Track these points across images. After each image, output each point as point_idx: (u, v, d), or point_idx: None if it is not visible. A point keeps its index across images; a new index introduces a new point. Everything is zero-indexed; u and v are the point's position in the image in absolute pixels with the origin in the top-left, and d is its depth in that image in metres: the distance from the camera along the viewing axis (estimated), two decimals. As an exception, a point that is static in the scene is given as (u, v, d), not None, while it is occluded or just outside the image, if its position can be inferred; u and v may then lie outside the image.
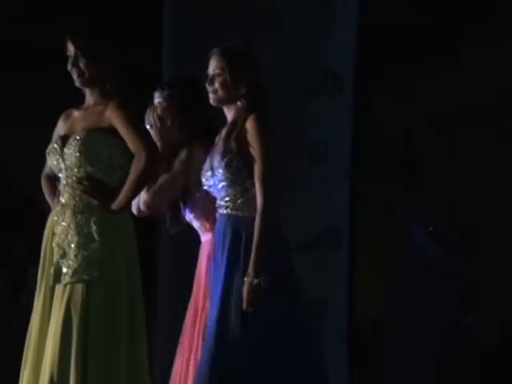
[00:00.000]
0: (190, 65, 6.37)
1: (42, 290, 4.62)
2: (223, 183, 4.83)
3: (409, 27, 7.65)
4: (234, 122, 4.91)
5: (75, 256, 4.51)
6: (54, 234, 4.62)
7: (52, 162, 4.71)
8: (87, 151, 4.58)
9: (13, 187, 6.41)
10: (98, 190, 4.60)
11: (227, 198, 4.82)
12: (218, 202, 4.88)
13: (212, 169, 4.85)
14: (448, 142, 7.19)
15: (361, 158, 6.90)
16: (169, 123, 5.33)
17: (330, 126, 6.79)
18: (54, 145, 4.70)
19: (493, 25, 7.59)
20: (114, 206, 4.56)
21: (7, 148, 6.66)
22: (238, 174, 4.80)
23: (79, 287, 4.48)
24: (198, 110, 5.34)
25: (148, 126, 5.29)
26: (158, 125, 5.29)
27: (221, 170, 4.80)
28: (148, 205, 5.12)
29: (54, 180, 4.79)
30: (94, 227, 4.55)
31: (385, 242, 7.23)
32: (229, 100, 4.95)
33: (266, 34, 6.94)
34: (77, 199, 4.59)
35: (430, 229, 6.92)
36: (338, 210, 6.75)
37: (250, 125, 4.83)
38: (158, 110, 5.32)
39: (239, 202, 4.80)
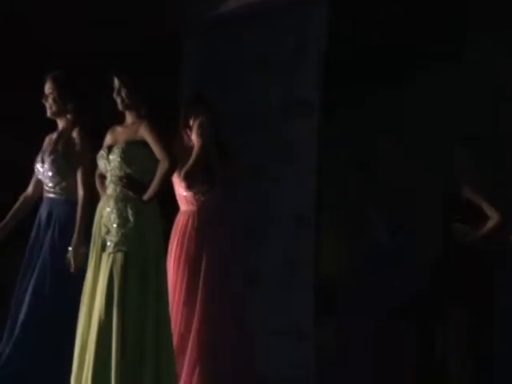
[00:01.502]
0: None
1: (93, 258, 4.75)
2: (50, 173, 5.08)
3: (368, 58, 7.23)
4: (63, 131, 5.16)
5: (116, 233, 4.66)
6: (101, 217, 4.75)
7: (101, 164, 4.83)
8: (126, 157, 4.71)
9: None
10: (133, 185, 4.71)
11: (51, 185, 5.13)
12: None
13: (43, 162, 5.09)
14: (398, 147, 6.82)
15: (324, 161, 6.75)
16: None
17: (302, 138, 6.77)
18: (102, 152, 4.83)
19: (454, 47, 7.07)
20: (145, 197, 4.67)
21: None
22: (60, 169, 5.05)
23: (119, 256, 4.62)
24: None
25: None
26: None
27: (47, 165, 5.06)
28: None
29: (103, 177, 4.88)
30: (130, 212, 4.68)
31: (344, 221, 7.01)
32: (59, 113, 5.10)
33: (256, 73, 7.00)
34: (118, 191, 4.72)
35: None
36: (307, 196, 6.71)
37: (75, 135, 5.07)
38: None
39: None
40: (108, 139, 4.92)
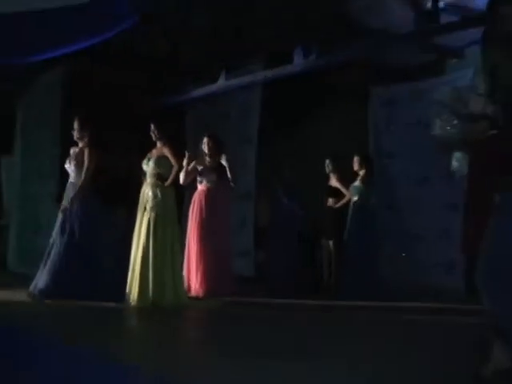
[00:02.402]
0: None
1: (140, 215, 4.78)
2: (72, 169, 4.94)
3: (285, 116, 7.27)
4: (81, 148, 4.98)
5: (151, 202, 4.74)
6: (144, 195, 4.80)
7: (144, 167, 4.88)
8: (157, 164, 4.82)
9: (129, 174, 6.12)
10: (160, 178, 4.79)
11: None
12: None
13: (69, 163, 4.97)
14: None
15: (258, 166, 6.83)
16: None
17: (248, 155, 6.87)
18: (145, 161, 4.88)
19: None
20: (166, 184, 4.78)
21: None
22: (77, 168, 4.90)
23: (153, 214, 4.70)
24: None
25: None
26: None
27: (72, 165, 4.94)
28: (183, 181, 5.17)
29: (145, 174, 4.89)
30: (158, 192, 4.76)
31: (271, 197, 6.69)
32: (81, 139, 4.97)
33: (223, 122, 7.10)
34: (153, 181, 4.80)
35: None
36: (251, 183, 6.82)
37: (87, 151, 4.91)
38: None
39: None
40: (149, 154, 4.91)
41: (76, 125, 5.04)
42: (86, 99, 6.46)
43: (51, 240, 4.84)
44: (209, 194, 5.34)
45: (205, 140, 5.37)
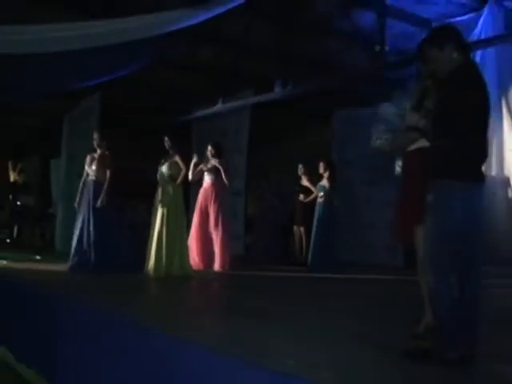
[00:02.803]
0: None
1: (156, 207, 4.66)
2: (93, 169, 4.78)
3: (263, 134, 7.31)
4: (101, 154, 4.86)
5: (164, 197, 4.60)
6: (158, 191, 4.66)
7: (159, 170, 4.71)
8: (169, 167, 4.68)
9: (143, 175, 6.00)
10: (172, 178, 4.65)
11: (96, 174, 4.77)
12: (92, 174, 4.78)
13: (90, 165, 4.83)
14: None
15: (247, 170, 6.76)
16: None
17: (240, 161, 6.79)
18: (160, 165, 4.72)
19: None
20: (177, 183, 4.65)
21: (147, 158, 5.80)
22: (97, 169, 4.77)
23: (165, 208, 4.57)
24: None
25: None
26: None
27: (93, 166, 4.81)
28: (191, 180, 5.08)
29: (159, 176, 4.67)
30: (170, 189, 4.63)
31: (257, 194, 6.96)
32: (100, 146, 4.82)
33: (222, 137, 6.82)
34: (165, 181, 4.65)
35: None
36: (241, 182, 6.72)
37: (107, 155, 4.79)
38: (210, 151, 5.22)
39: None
40: (163, 160, 4.76)
41: (96, 136, 5.02)
42: (114, 118, 6.53)
43: (78, 224, 4.81)
44: (209, 190, 5.30)
45: (209, 148, 5.31)
